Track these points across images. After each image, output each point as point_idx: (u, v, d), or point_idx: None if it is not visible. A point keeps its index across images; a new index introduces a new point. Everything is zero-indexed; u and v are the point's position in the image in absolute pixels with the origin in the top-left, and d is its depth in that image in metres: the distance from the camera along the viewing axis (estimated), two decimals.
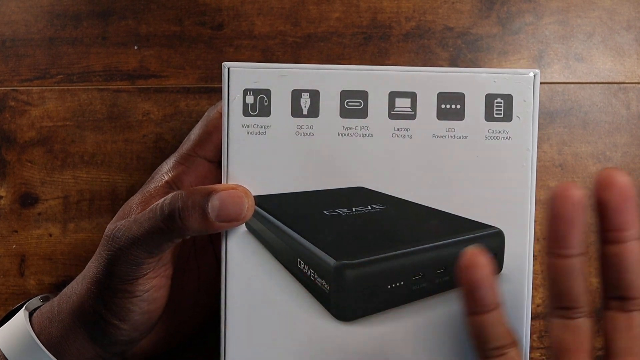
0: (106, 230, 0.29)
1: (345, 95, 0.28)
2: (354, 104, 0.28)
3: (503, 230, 0.28)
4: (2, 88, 0.38)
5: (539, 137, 0.37)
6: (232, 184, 0.28)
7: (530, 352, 0.37)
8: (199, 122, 0.32)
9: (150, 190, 0.30)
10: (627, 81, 0.37)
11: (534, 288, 0.36)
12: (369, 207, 0.31)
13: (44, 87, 0.38)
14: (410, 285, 0.28)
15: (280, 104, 0.28)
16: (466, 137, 0.28)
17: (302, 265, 0.29)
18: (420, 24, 0.38)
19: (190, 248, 0.33)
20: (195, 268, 0.33)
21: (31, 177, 0.38)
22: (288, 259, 0.29)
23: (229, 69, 0.28)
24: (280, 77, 0.28)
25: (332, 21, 0.38)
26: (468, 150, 0.28)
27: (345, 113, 0.28)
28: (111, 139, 0.38)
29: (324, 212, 0.31)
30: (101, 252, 0.29)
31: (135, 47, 0.38)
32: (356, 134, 0.28)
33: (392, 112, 0.28)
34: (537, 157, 0.37)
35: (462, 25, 0.37)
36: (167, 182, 0.30)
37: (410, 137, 0.28)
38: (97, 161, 0.38)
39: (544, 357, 0.36)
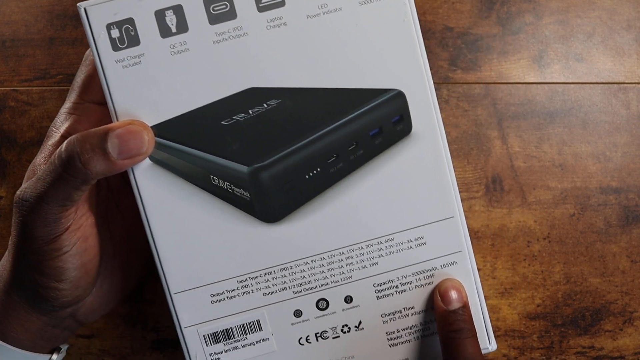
0: (14, 196, 0.28)
1: (208, 1, 0.27)
2: (220, 8, 0.27)
3: (403, 91, 0.28)
4: (2, 88, 0.38)
5: (539, 137, 0.37)
6: (127, 120, 0.27)
7: (530, 352, 0.37)
8: (79, 69, 0.31)
9: (48, 148, 0.30)
10: (627, 81, 0.37)
11: (534, 288, 0.36)
12: (265, 105, 0.30)
13: (44, 87, 0.38)
14: (327, 169, 0.28)
15: (147, 29, 0.27)
16: (340, 8, 0.28)
17: (217, 181, 0.28)
18: (420, 24, 0.38)
19: (107, 192, 0.32)
20: (117, 212, 0.32)
21: None
22: (201, 179, 0.29)
23: (85, 9, 0.27)
24: (139, 2, 0.27)
25: None
26: (346, 21, 0.28)
27: (213, 19, 0.27)
28: None
29: (222, 122, 0.30)
30: (15, 220, 0.28)
31: None
32: (231, 37, 0.28)
33: (260, 5, 0.27)
34: (538, 157, 0.37)
35: (462, 25, 0.37)
36: (62, 135, 0.30)
37: (285, 24, 0.28)
38: None
39: (544, 357, 0.36)
